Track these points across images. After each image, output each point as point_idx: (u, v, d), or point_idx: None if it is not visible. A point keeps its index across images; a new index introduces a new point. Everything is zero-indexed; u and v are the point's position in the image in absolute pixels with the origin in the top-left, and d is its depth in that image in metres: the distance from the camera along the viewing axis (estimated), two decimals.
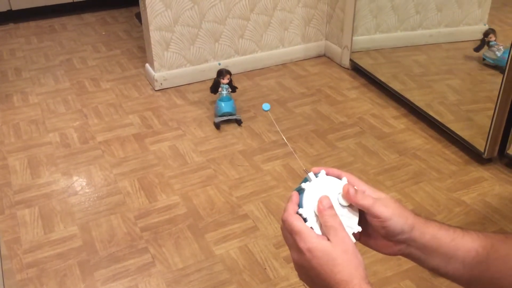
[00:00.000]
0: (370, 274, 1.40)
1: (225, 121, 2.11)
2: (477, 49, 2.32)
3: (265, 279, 1.40)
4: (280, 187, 1.75)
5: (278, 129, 0.91)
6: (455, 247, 0.64)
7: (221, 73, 2.10)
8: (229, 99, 2.10)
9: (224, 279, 1.40)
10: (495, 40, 2.26)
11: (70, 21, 3.26)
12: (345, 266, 0.59)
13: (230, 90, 2.11)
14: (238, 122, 2.12)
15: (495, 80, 1.76)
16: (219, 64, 2.37)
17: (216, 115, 2.11)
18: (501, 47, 2.23)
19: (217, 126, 2.09)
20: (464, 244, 0.64)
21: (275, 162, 1.88)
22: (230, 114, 2.10)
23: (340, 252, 0.60)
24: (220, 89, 2.11)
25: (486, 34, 2.29)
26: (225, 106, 2.08)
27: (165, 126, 2.12)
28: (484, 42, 2.29)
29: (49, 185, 1.77)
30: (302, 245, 0.61)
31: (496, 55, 2.24)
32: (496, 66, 2.23)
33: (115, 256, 1.48)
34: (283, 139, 0.80)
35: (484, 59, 2.29)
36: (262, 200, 1.69)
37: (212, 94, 2.17)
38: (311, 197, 0.65)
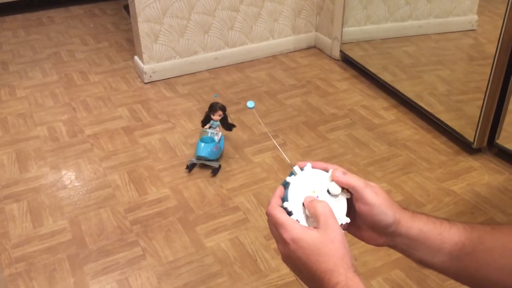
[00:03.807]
0: (360, 264, 1.40)
1: (202, 165, 1.78)
2: None
3: (256, 270, 1.40)
4: (271, 179, 1.75)
5: (263, 124, 0.91)
6: (442, 240, 0.64)
7: (213, 107, 1.75)
8: (211, 140, 1.74)
9: (215, 271, 1.40)
10: None
11: (58, 14, 3.22)
12: (331, 256, 0.59)
13: (217, 130, 1.77)
14: (214, 171, 1.74)
15: (484, 71, 1.76)
16: (216, 96, 2.03)
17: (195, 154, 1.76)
18: None
19: (189, 168, 1.76)
20: (450, 237, 0.64)
21: (266, 154, 1.87)
22: (206, 159, 1.75)
23: (327, 241, 0.60)
24: (208, 125, 1.78)
25: None
26: (200, 149, 1.72)
27: (155, 119, 2.10)
28: None
29: (38, 179, 1.75)
30: (286, 235, 0.61)
31: None
32: None
33: (105, 250, 1.47)
34: (268, 134, 0.80)
35: None
36: (253, 192, 1.69)
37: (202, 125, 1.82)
38: (297, 191, 0.65)
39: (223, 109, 1.76)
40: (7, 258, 1.44)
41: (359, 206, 0.65)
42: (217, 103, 1.77)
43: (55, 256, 1.45)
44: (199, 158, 1.75)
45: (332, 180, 0.65)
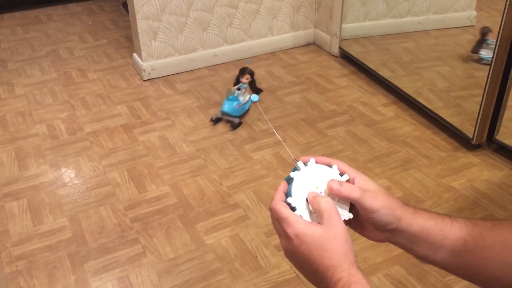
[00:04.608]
0: (361, 261, 1.41)
1: (228, 120, 2.03)
2: (477, 50, 2.22)
3: (256, 267, 1.40)
4: (271, 176, 1.75)
5: (267, 119, 0.91)
6: (443, 237, 0.64)
7: (242, 71, 2.03)
8: (235, 99, 1.99)
9: (215, 268, 1.40)
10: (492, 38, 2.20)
11: (56, 11, 3.22)
12: (334, 252, 0.59)
13: (243, 91, 2.02)
14: (233, 126, 1.99)
15: (483, 67, 1.76)
16: (248, 62, 2.28)
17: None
18: None
19: (214, 120, 2.03)
20: (452, 233, 0.64)
21: (265, 151, 1.87)
22: (229, 115, 2.00)
23: (331, 236, 0.60)
24: (237, 86, 2.04)
25: (484, 33, 2.22)
26: (225, 106, 1.99)
27: (154, 116, 2.10)
28: (482, 41, 2.22)
29: (37, 177, 1.75)
30: (289, 231, 0.61)
31: None
32: None
33: (105, 247, 1.47)
34: (272, 128, 0.80)
35: (482, 59, 2.21)
36: (253, 189, 1.69)
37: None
38: (300, 186, 0.65)
39: (251, 73, 2.04)
40: (7, 256, 1.44)
41: (358, 209, 0.65)
42: (246, 67, 2.04)
43: (55, 254, 1.45)
44: (222, 113, 2.00)
45: (329, 193, 0.65)
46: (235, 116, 2.00)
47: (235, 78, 2.07)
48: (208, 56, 2.49)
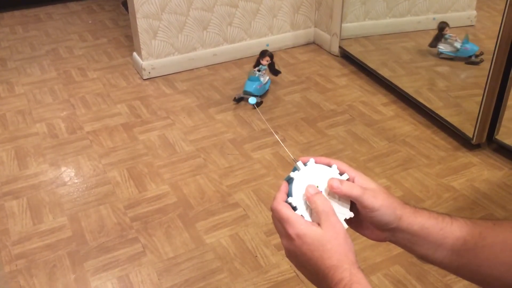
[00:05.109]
0: (360, 260, 1.41)
1: (248, 99, 2.13)
2: (434, 44, 2.33)
3: (256, 266, 1.40)
4: (270, 175, 1.75)
5: (265, 120, 0.91)
6: (444, 236, 0.64)
7: (263, 53, 2.18)
8: (256, 79, 2.13)
9: (215, 267, 1.40)
10: (449, 33, 2.29)
11: (56, 10, 3.21)
12: (335, 252, 0.59)
13: (263, 72, 2.16)
14: (255, 104, 2.13)
15: (483, 66, 1.76)
16: (267, 45, 2.50)
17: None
18: (457, 38, 2.25)
19: (236, 100, 2.15)
20: (452, 233, 0.64)
21: (265, 150, 1.87)
22: (251, 94, 2.12)
23: (331, 237, 0.60)
24: (257, 68, 2.18)
25: (441, 28, 2.29)
26: (246, 85, 2.13)
27: (154, 115, 2.10)
28: (440, 36, 2.29)
29: (37, 176, 1.75)
30: (291, 231, 0.61)
31: (455, 47, 2.25)
32: (456, 58, 2.25)
33: (105, 246, 1.47)
34: (271, 129, 0.80)
35: (440, 53, 2.30)
36: (252, 188, 1.69)
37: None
38: (300, 186, 0.65)
39: (271, 56, 2.19)
40: (7, 255, 1.44)
41: (359, 208, 0.65)
42: (266, 50, 2.20)
43: (55, 253, 1.45)
44: (245, 92, 2.14)
45: (330, 192, 0.65)
46: (257, 95, 2.14)
47: (255, 60, 2.21)
48: (208, 55, 2.49)
